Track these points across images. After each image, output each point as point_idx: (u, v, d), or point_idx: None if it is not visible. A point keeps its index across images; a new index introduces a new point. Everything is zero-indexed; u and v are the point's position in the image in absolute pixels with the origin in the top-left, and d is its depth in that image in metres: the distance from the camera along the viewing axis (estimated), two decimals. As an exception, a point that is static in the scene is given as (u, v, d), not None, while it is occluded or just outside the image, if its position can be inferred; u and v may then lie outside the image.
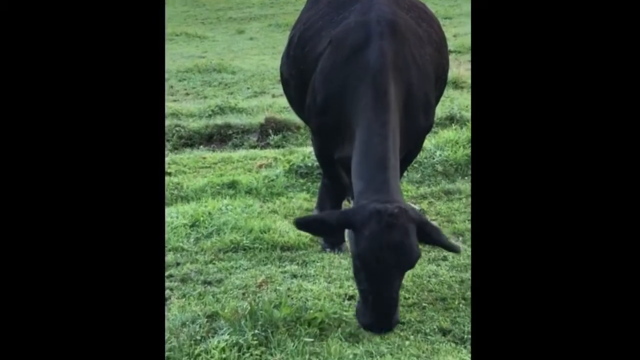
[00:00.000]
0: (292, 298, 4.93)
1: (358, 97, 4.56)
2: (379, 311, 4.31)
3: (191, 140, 9.32)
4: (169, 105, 10.40)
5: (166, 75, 12.73)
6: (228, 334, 4.33)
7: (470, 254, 5.59)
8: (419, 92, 4.78)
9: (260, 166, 7.91)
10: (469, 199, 6.70)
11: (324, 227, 4.40)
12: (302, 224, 4.39)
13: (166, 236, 5.85)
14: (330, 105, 4.83)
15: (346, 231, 4.45)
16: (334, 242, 5.67)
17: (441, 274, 5.31)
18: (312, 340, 4.37)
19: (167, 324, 4.53)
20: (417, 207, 6.65)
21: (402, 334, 4.55)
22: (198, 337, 4.40)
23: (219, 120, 9.80)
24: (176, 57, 14.84)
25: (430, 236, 4.30)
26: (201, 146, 9.22)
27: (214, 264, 5.56)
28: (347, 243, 5.28)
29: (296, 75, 5.28)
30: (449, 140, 7.83)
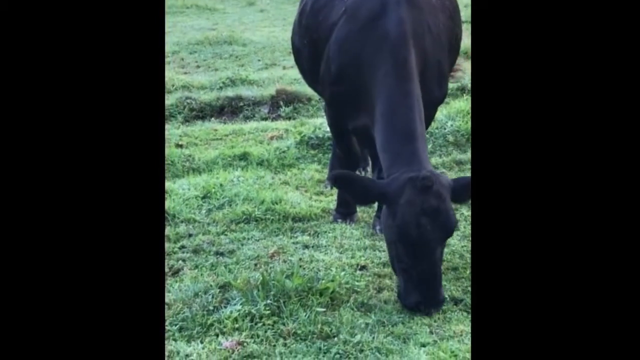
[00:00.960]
0: (303, 268, 4.95)
1: (377, 67, 4.52)
2: (426, 286, 4.26)
3: (202, 113, 9.31)
4: (180, 78, 10.39)
5: (177, 48, 12.72)
6: (240, 304, 4.37)
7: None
8: (434, 62, 4.77)
9: (272, 138, 7.91)
10: (481, 169, 6.71)
11: (361, 191, 4.35)
12: (340, 178, 4.38)
13: (178, 208, 5.88)
14: (345, 74, 4.79)
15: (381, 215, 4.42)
16: (345, 213, 5.67)
17: (453, 244, 5.31)
18: (324, 310, 4.39)
19: (179, 294, 4.57)
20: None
21: (413, 303, 4.57)
22: (211, 308, 4.43)
23: (230, 92, 9.78)
24: (187, 29, 14.81)
25: (463, 195, 4.32)
26: (212, 118, 9.21)
27: (226, 235, 5.59)
28: (378, 228, 5.28)
29: (309, 45, 5.25)
30: (460, 110, 7.82)
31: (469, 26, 12.98)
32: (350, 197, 4.52)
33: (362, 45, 4.62)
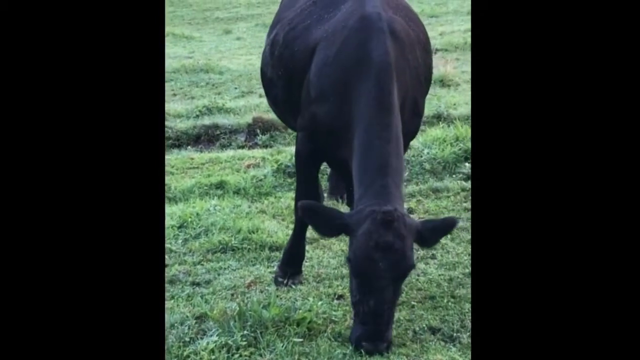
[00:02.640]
0: (280, 298, 4.92)
1: (358, 96, 4.44)
2: (371, 323, 4.12)
3: (179, 141, 9.29)
4: (157, 106, 10.36)
5: (154, 76, 12.69)
6: (217, 335, 4.33)
7: (458, 252, 5.61)
8: (412, 96, 4.71)
9: (248, 166, 7.90)
10: (457, 197, 6.72)
11: (326, 222, 4.25)
12: (307, 208, 4.28)
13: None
14: (325, 98, 4.69)
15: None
16: (288, 273, 5.29)
17: (430, 272, 5.31)
18: (301, 340, 4.36)
19: (155, 325, 4.52)
20: (404, 205, 6.66)
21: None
22: (187, 339, 4.39)
23: (207, 120, 9.79)
24: (163, 57, 14.81)
25: (431, 240, 4.24)
26: (189, 147, 9.20)
27: (202, 264, 5.56)
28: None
29: (283, 75, 5.16)
30: (437, 138, 7.83)
31: (445, 54, 13.12)
32: (315, 228, 4.39)
33: (344, 70, 4.55)
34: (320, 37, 4.81)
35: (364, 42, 4.53)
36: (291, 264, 5.33)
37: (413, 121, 4.87)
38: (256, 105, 10.44)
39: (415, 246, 4.97)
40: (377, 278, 4.02)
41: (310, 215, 4.31)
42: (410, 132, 4.94)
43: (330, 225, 4.25)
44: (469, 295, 4.80)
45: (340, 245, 5.82)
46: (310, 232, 5.49)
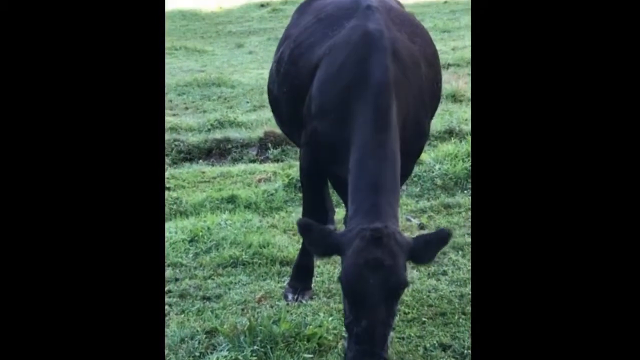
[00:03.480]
0: (291, 313, 4.92)
1: (356, 112, 4.41)
2: (363, 345, 3.84)
3: (190, 155, 9.31)
4: (168, 120, 10.40)
5: (165, 90, 12.74)
6: (227, 350, 4.33)
7: (469, 268, 5.58)
8: (414, 115, 4.65)
9: (260, 180, 7.91)
10: (469, 213, 6.70)
11: (319, 241, 4.09)
12: (302, 226, 4.13)
13: (165, 251, 5.84)
14: (325, 113, 4.67)
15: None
16: (298, 288, 5.32)
17: (441, 289, 5.30)
18: (311, 356, 4.36)
19: (166, 340, 4.52)
20: (416, 221, 6.65)
21: (401, 349, 4.54)
22: (197, 354, 4.39)
23: (218, 134, 9.80)
24: (175, 71, 14.86)
25: (425, 255, 4.05)
26: (200, 160, 9.22)
27: (213, 279, 5.56)
28: None
29: (288, 92, 5.16)
30: (448, 153, 7.82)
31: (457, 69, 13.11)
32: (309, 246, 4.29)
33: (345, 86, 4.53)
34: (323, 53, 4.82)
35: (364, 60, 4.52)
36: (301, 280, 5.33)
37: (416, 141, 4.80)
38: (268, 119, 10.44)
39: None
40: (369, 296, 3.84)
41: (305, 233, 4.15)
42: (413, 152, 4.87)
43: (323, 245, 4.10)
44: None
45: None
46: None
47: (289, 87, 5.12)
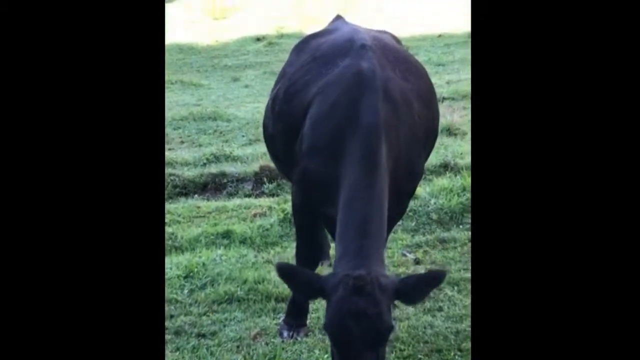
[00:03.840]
0: (286, 351, 4.90)
1: (345, 153, 4.40)
2: None
3: (186, 189, 9.29)
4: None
5: (161, 124, 12.72)
6: (222, 388, 4.30)
7: (465, 304, 5.57)
8: (406, 155, 4.64)
9: (255, 215, 7.90)
10: (464, 248, 6.69)
11: (303, 285, 4.07)
12: (283, 270, 4.08)
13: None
14: (317, 151, 4.67)
15: None
16: (293, 325, 5.31)
17: (437, 325, 5.28)
18: (307, 394, 4.33)
19: (160, 378, 4.48)
20: (412, 255, 6.63)
21: (398, 386, 4.52)
22: (192, 392, 4.36)
23: (214, 168, 9.80)
24: (171, 105, 14.86)
25: (414, 296, 4.01)
26: (196, 195, 9.20)
27: (208, 315, 5.54)
28: None
29: (283, 130, 5.16)
30: (444, 188, 7.81)
31: (452, 103, 13.16)
32: (294, 290, 4.25)
33: (336, 125, 4.54)
34: (317, 91, 4.82)
35: (356, 100, 4.52)
36: (296, 316, 5.30)
37: (409, 181, 4.80)
38: (263, 153, 10.42)
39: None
40: (354, 345, 3.81)
41: (286, 278, 4.11)
42: (406, 191, 4.88)
43: (307, 289, 4.07)
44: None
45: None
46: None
47: (283, 125, 5.12)
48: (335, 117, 4.57)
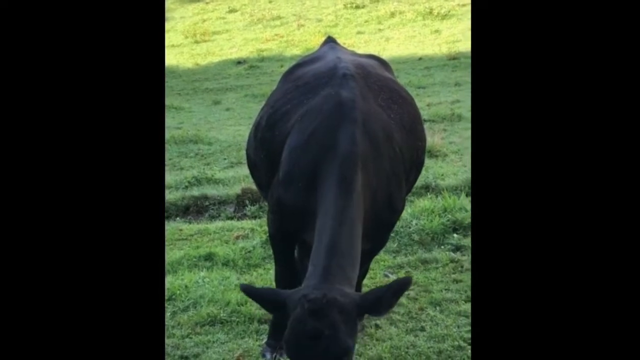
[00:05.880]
0: (269, 372, 4.89)
1: (322, 180, 4.40)
2: None
3: (168, 212, 9.29)
4: (146, 177, 10.37)
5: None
6: (205, 411, 4.29)
7: (447, 324, 5.60)
8: (385, 189, 4.64)
9: (237, 237, 7.90)
10: (446, 268, 6.72)
11: (269, 302, 4.06)
12: (246, 291, 4.09)
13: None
14: (292, 180, 4.66)
15: None
16: (276, 346, 5.21)
17: (419, 345, 5.29)
18: (290, 415, 4.32)
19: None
20: (394, 277, 6.65)
21: (381, 407, 4.52)
22: (175, 414, 4.35)
23: (196, 191, 9.81)
24: (153, 128, 14.87)
25: (381, 308, 3.94)
26: (178, 218, 9.21)
27: (190, 338, 5.53)
28: None
29: (265, 158, 5.16)
30: (425, 209, 7.85)
31: (432, 125, 13.24)
32: (264, 308, 4.26)
33: (312, 155, 4.53)
34: (296, 120, 4.82)
35: (333, 130, 4.52)
36: (279, 337, 5.23)
37: (388, 214, 4.77)
38: (245, 175, 10.45)
39: (404, 319, 4.94)
40: None
41: (252, 297, 4.14)
42: (385, 224, 4.85)
43: (272, 305, 4.07)
44: (459, 369, 4.79)
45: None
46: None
47: (265, 153, 5.11)
48: (313, 146, 4.56)
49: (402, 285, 3.95)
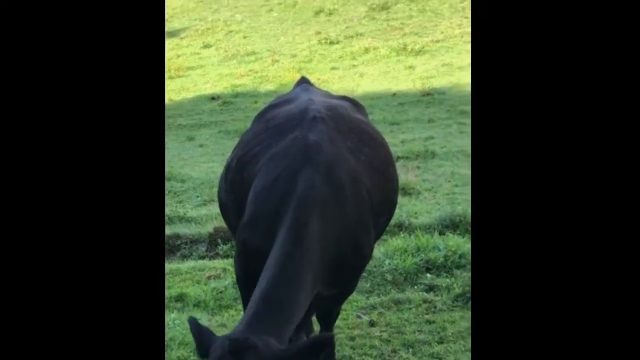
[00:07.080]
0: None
1: (279, 225, 4.35)
2: None
3: (139, 252, 9.19)
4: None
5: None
6: None
7: (420, 367, 5.56)
8: (351, 234, 4.57)
9: (209, 277, 7.84)
10: (419, 309, 6.69)
11: (199, 342, 3.94)
12: (190, 324, 4.01)
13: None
14: (256, 223, 4.62)
15: None
16: None
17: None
18: None
19: None
20: (366, 317, 6.61)
21: None
22: None
23: (168, 230, 9.72)
24: (125, 165, 14.79)
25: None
26: (149, 257, 9.10)
27: (160, 382, 5.43)
28: None
29: (234, 201, 5.12)
30: (398, 248, 7.82)
31: (406, 162, 13.24)
32: (196, 349, 4.19)
33: (276, 199, 4.50)
34: (263, 163, 4.80)
35: (296, 173, 4.50)
36: None
37: (354, 260, 4.69)
38: (217, 214, 10.36)
39: None
40: None
41: (192, 331, 4.02)
42: (352, 269, 4.77)
43: (202, 346, 3.95)
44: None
45: None
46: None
47: (235, 195, 5.09)
48: (277, 189, 4.54)
49: (322, 346, 3.83)
